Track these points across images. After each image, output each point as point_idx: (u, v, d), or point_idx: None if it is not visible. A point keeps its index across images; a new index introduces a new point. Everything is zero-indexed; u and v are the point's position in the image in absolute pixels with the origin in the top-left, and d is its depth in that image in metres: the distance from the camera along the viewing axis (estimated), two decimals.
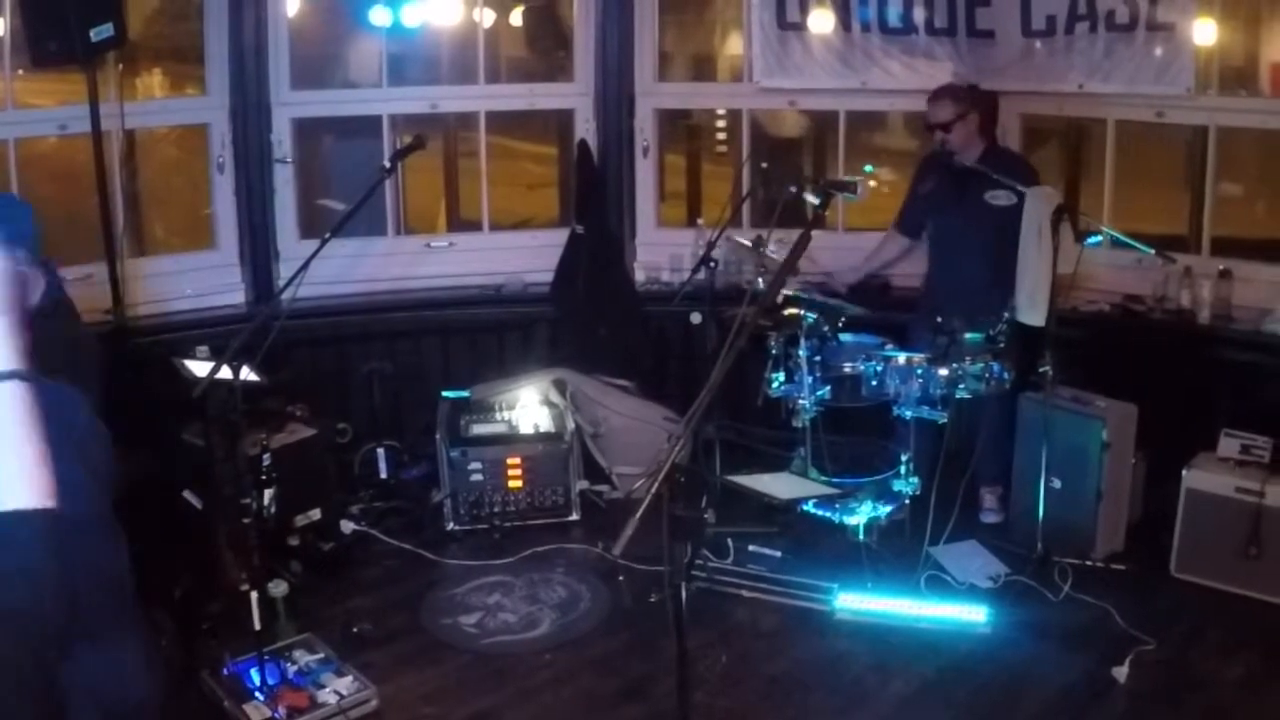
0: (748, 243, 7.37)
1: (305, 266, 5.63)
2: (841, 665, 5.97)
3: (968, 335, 6.59)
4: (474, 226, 9.02)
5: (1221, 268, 7.37)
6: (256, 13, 7.71)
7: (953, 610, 6.22)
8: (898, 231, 7.74)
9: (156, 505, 6.33)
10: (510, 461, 7.42)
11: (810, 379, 6.67)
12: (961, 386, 6.53)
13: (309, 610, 6.28)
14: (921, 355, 6.61)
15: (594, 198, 8.49)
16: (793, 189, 6.58)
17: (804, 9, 8.11)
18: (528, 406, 7.84)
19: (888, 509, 6.83)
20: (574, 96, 8.62)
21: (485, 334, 8.43)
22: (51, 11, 6.43)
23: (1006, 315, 6.77)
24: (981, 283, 7.02)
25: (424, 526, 7.38)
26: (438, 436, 7.50)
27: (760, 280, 6.96)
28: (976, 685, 5.76)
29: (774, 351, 6.84)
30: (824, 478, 6.91)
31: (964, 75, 7.91)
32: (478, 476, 7.38)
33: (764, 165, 8.29)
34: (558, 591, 6.70)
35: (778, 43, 8.19)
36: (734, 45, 9.39)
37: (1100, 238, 7.03)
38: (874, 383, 6.66)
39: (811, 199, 4.88)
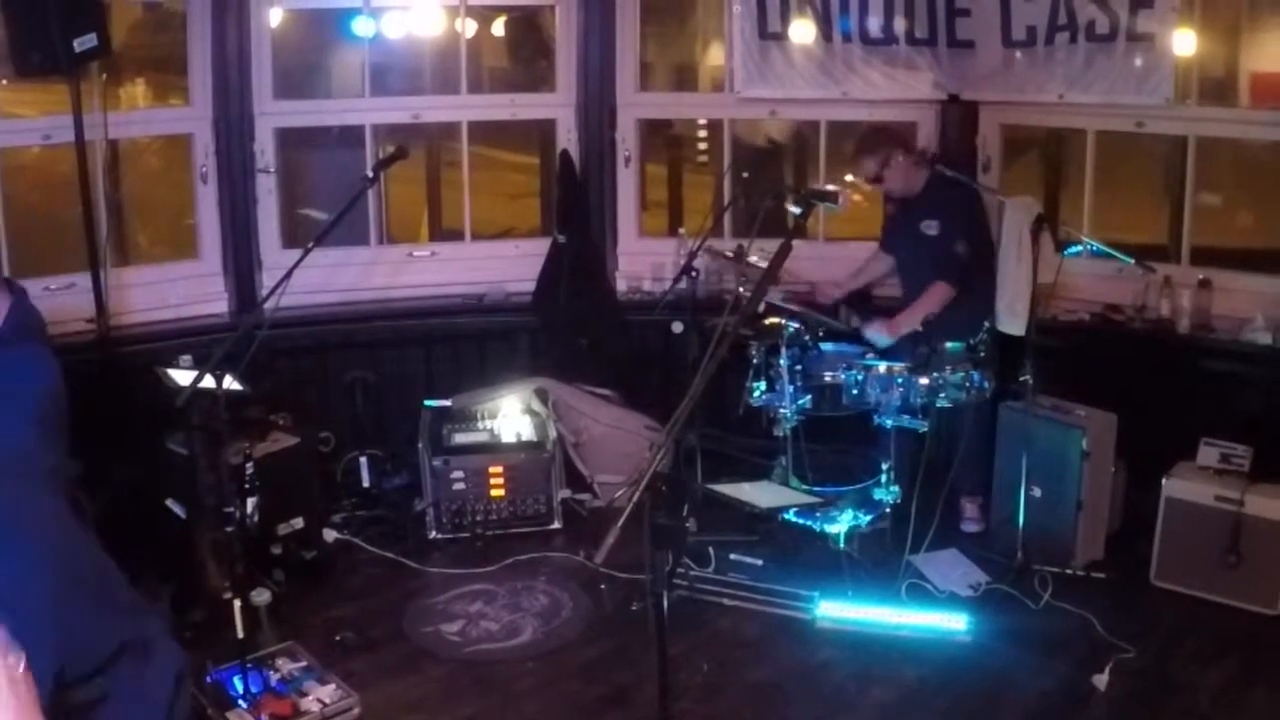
0: (728, 253, 7.41)
1: (288, 276, 5.64)
2: (823, 673, 5.98)
3: (948, 344, 6.63)
4: (456, 236, 9.04)
5: (1201, 277, 7.40)
6: (239, 23, 7.71)
7: (933, 618, 6.23)
8: (881, 250, 7.75)
9: (140, 513, 6.36)
10: (492, 470, 7.42)
11: (791, 388, 6.69)
12: (942, 395, 6.56)
13: (292, 618, 6.28)
14: (902, 364, 6.64)
15: (576, 207, 8.50)
16: (773, 199, 6.61)
17: (785, 19, 8.12)
18: (510, 415, 7.86)
19: (868, 517, 6.84)
20: (556, 106, 8.63)
21: (467, 343, 8.44)
22: (35, 22, 6.42)
23: (987, 324, 6.83)
24: None
25: (406, 535, 7.37)
26: (420, 445, 7.51)
27: (743, 290, 6.99)
28: (957, 693, 5.78)
29: (755, 360, 6.86)
30: (805, 486, 6.93)
31: (944, 85, 7.96)
32: (460, 485, 7.39)
33: (745, 175, 8.33)
34: (540, 600, 6.71)
35: (759, 53, 8.21)
36: (715, 55, 9.45)
37: (1080, 247, 7.06)
38: (855, 392, 6.68)
39: (793, 209, 4.89)
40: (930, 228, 7.09)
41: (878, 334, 7.12)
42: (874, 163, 7.11)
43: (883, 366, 6.65)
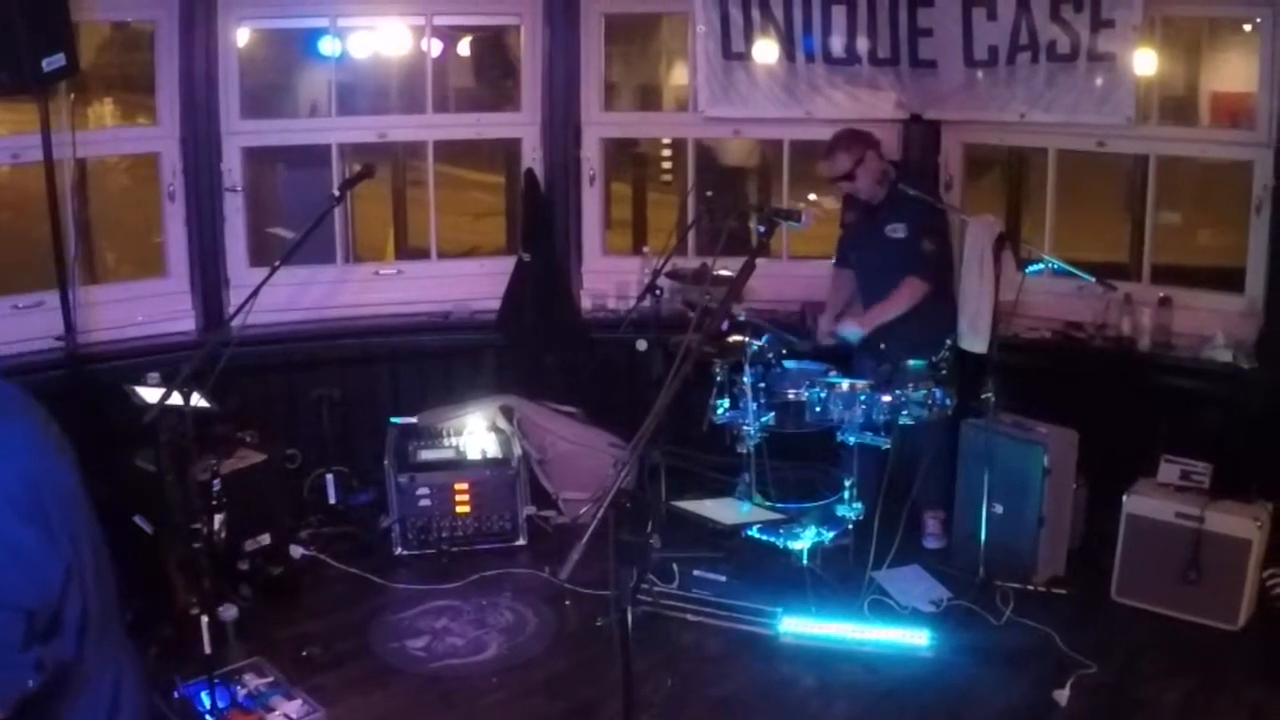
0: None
1: (255, 294, 5.64)
2: (786, 689, 6.01)
3: (910, 362, 6.67)
4: (422, 254, 9.06)
5: (1162, 295, 7.47)
6: (207, 43, 7.72)
7: (896, 634, 6.27)
8: (839, 267, 7.77)
9: (107, 530, 6.34)
10: (458, 487, 7.44)
11: (755, 405, 6.71)
12: (904, 413, 6.59)
13: (258, 634, 6.28)
14: (865, 382, 6.67)
15: (541, 226, 8.51)
16: (737, 218, 6.63)
17: (748, 39, 8.17)
18: (475, 432, 7.88)
19: (831, 534, 6.87)
20: (521, 126, 8.65)
21: (433, 361, 8.45)
22: (3, 42, 6.40)
23: (949, 342, 6.88)
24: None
25: (372, 551, 7.39)
26: (386, 462, 7.52)
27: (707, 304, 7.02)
28: (919, 708, 5.81)
29: (719, 378, 6.87)
30: (768, 503, 6.94)
31: (907, 104, 8.01)
32: (425, 502, 7.40)
33: (709, 194, 8.36)
34: (505, 615, 6.73)
35: (722, 73, 8.25)
36: (679, 75, 9.49)
37: (1042, 265, 7.12)
38: (818, 409, 6.70)
39: (756, 227, 4.93)
40: (897, 230, 7.11)
41: (851, 330, 7.13)
42: (849, 158, 7.09)
43: (845, 384, 6.68)
